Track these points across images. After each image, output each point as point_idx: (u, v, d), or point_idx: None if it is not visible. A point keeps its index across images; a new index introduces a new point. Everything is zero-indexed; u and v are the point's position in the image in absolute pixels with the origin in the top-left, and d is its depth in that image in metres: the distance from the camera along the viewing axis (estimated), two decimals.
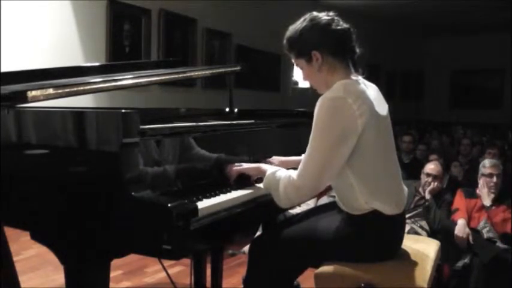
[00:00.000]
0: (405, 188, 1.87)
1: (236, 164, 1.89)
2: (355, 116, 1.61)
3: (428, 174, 3.74)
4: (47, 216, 1.56)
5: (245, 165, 1.88)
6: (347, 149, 1.64)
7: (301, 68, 1.80)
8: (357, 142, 1.64)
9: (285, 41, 1.80)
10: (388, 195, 1.73)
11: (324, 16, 1.75)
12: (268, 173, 1.77)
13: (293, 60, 1.82)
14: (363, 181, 1.70)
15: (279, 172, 1.75)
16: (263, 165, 1.88)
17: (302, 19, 1.76)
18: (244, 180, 1.88)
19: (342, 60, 1.74)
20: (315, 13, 1.76)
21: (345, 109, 1.61)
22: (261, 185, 1.87)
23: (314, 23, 1.73)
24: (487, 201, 3.52)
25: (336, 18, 1.75)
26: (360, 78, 1.77)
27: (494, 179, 3.55)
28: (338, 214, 1.83)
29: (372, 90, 1.76)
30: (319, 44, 1.72)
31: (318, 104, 1.65)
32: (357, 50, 1.77)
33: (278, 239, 1.85)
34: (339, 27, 1.73)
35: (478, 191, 3.62)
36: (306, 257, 1.83)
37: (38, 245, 1.58)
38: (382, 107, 1.75)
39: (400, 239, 1.85)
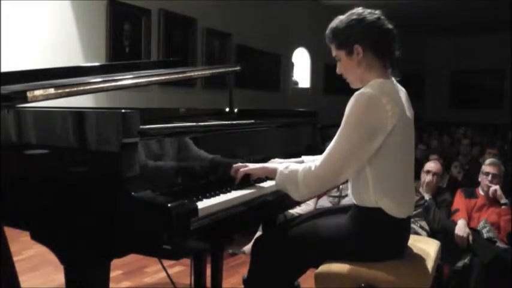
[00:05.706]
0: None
1: (241, 164, 1.88)
2: (387, 116, 1.64)
3: (428, 172, 3.74)
4: (47, 216, 1.56)
5: (251, 166, 1.87)
6: (373, 146, 1.66)
7: (339, 60, 1.81)
8: (383, 141, 1.66)
9: (328, 31, 1.80)
10: (398, 197, 1.73)
11: (371, 13, 1.76)
12: (280, 169, 1.78)
13: (333, 52, 1.82)
14: (379, 179, 1.71)
15: (292, 166, 1.77)
16: (269, 165, 1.88)
17: (350, 12, 1.78)
18: (244, 180, 1.88)
19: (381, 58, 1.76)
20: (362, 9, 1.77)
21: (378, 108, 1.64)
22: (261, 185, 1.87)
23: (361, 18, 1.74)
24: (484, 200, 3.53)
25: (382, 17, 1.77)
26: (394, 80, 1.78)
27: (490, 177, 3.54)
28: (340, 216, 1.83)
29: (402, 94, 1.78)
30: (363, 38, 1.73)
31: (352, 99, 1.67)
32: (397, 52, 1.78)
33: (280, 239, 1.85)
34: (384, 26, 1.76)
35: (478, 191, 3.62)
36: (308, 256, 1.83)
37: (38, 245, 1.58)
38: (409, 111, 1.77)
39: (403, 242, 1.84)
